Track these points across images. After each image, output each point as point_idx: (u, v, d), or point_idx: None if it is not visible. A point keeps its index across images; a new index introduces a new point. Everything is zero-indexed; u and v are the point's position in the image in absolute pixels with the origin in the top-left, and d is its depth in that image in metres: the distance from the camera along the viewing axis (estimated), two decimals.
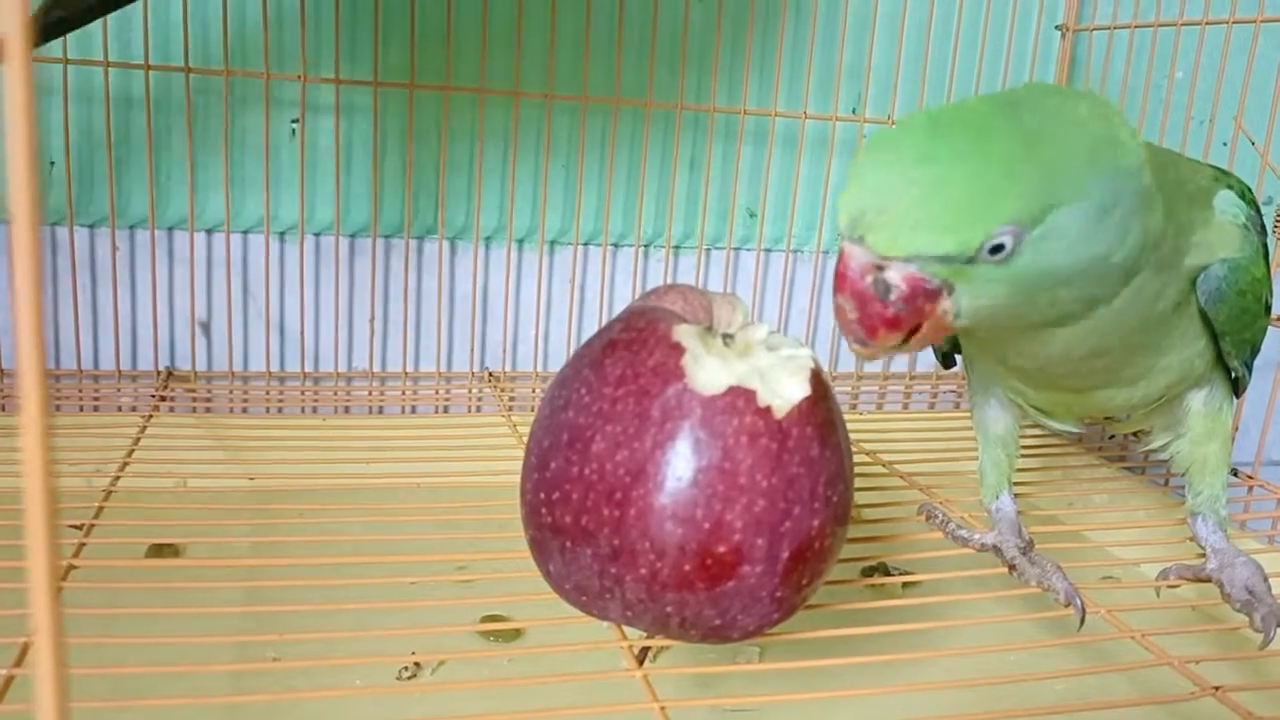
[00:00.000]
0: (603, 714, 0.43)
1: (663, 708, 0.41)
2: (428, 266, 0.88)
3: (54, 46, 0.76)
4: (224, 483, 0.70)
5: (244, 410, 0.83)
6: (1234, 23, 0.78)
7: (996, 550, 0.55)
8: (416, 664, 0.51)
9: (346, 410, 0.86)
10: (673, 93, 0.87)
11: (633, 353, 0.40)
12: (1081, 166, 0.38)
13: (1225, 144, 0.90)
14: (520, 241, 0.90)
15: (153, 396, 0.78)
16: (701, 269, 0.93)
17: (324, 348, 0.87)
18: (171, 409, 0.80)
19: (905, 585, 0.61)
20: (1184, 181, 0.47)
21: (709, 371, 0.39)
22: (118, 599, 0.49)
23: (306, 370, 0.87)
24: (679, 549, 0.39)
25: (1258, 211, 0.50)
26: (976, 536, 0.56)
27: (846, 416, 0.91)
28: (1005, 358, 0.49)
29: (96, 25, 0.77)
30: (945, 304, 0.39)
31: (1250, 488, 0.73)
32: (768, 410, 0.39)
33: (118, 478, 0.61)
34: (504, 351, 0.91)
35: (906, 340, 0.41)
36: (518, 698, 0.48)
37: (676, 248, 0.93)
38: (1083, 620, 0.50)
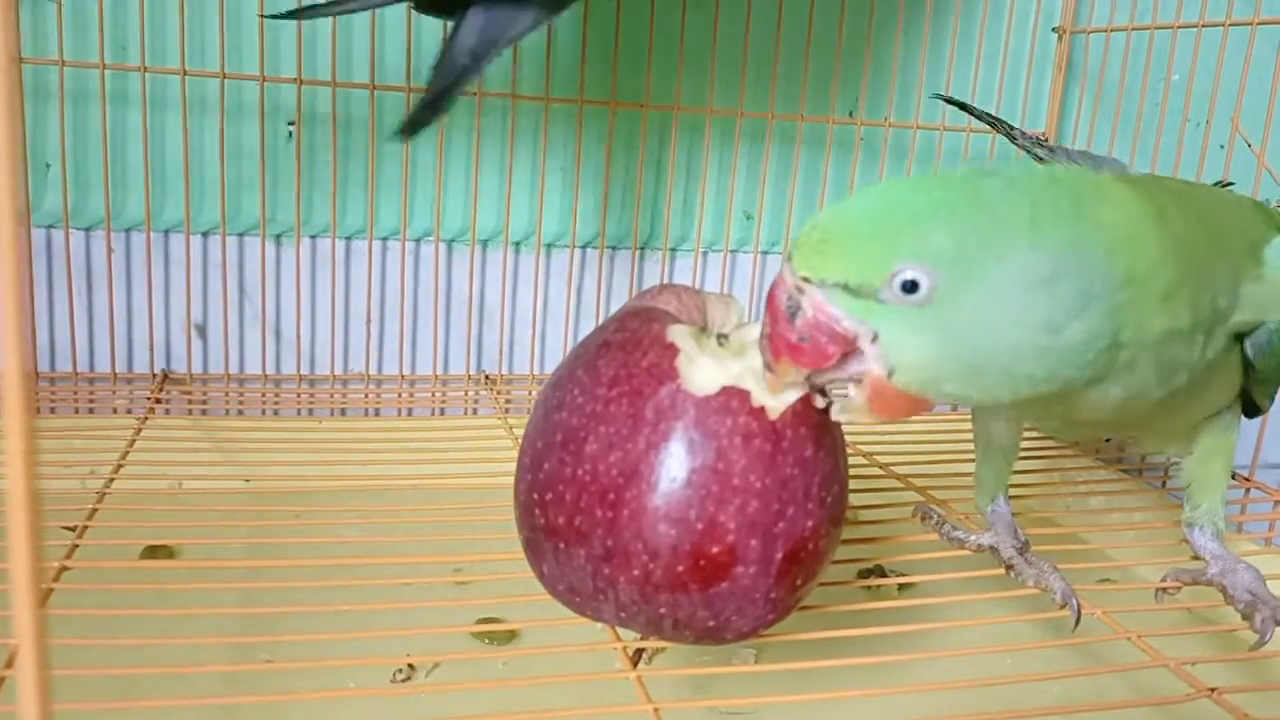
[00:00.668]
0: (597, 716, 0.43)
1: (656, 709, 0.40)
2: (424, 269, 0.88)
3: (50, 48, 0.76)
4: (219, 484, 0.70)
5: (240, 412, 0.83)
6: (1230, 25, 0.78)
7: (993, 551, 0.55)
8: (411, 666, 0.51)
9: (343, 412, 0.86)
10: (669, 95, 0.87)
11: (626, 353, 0.40)
12: (1018, 231, 0.37)
13: (1222, 146, 0.91)
14: (517, 244, 0.90)
15: (148, 399, 0.78)
16: (698, 271, 0.93)
17: (320, 350, 0.87)
18: (167, 411, 0.80)
19: (901, 587, 0.61)
20: (1232, 238, 0.45)
21: (703, 372, 0.39)
22: (111, 600, 0.49)
23: (303, 373, 0.86)
24: (672, 550, 0.38)
25: None
26: (973, 537, 0.56)
27: None
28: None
29: (93, 27, 0.77)
30: (873, 361, 0.37)
31: (1247, 489, 0.73)
32: (762, 411, 0.39)
33: (112, 479, 0.61)
34: (500, 354, 0.91)
35: (850, 404, 0.39)
36: (512, 700, 0.48)
37: (673, 250, 0.93)
38: (1078, 621, 0.50)
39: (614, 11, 0.85)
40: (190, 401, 0.82)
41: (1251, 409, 0.54)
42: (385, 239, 0.87)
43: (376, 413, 0.87)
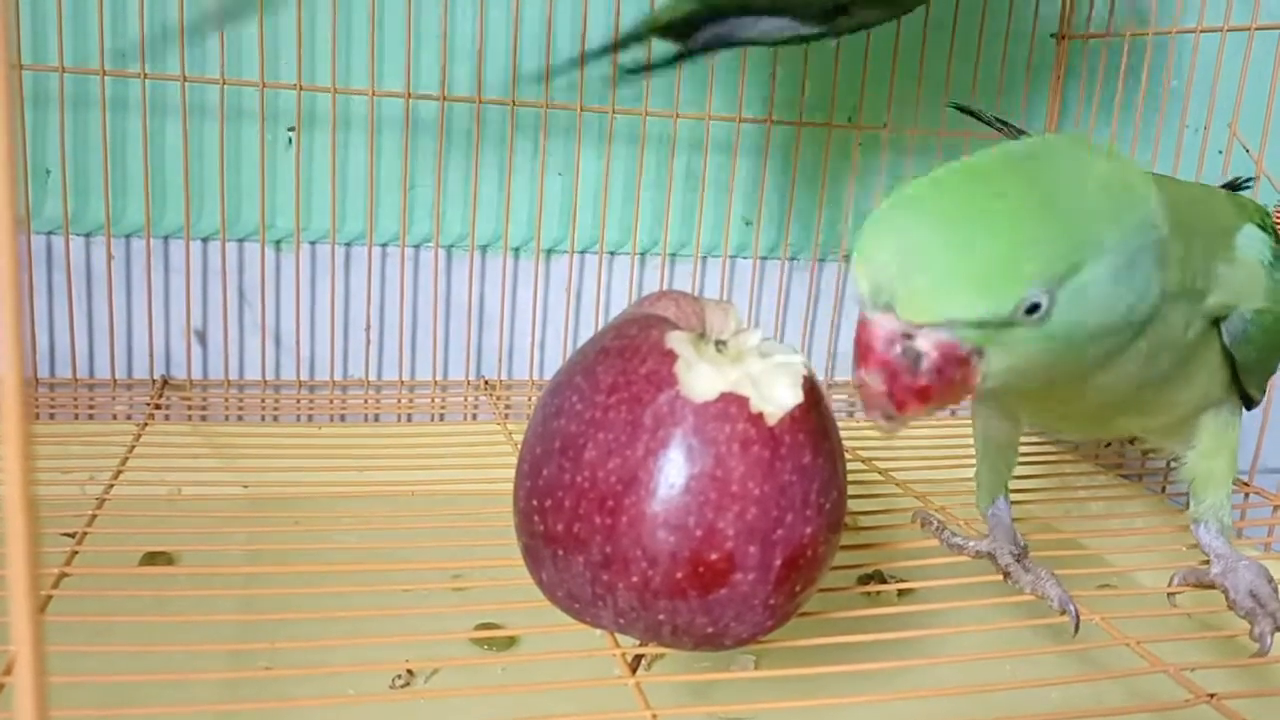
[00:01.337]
0: None
1: (655, 715, 0.40)
2: (424, 275, 0.88)
3: (50, 56, 0.76)
4: (218, 490, 0.70)
5: (239, 418, 0.83)
6: (1228, 30, 0.78)
7: (991, 557, 0.55)
8: (410, 672, 0.51)
9: (342, 418, 0.86)
10: (669, 101, 0.87)
11: (625, 360, 0.40)
12: (1104, 222, 0.37)
13: (1220, 152, 0.91)
14: (516, 250, 0.90)
15: (148, 405, 0.78)
16: (698, 277, 0.93)
17: (320, 356, 0.87)
18: (167, 417, 0.80)
19: (901, 593, 0.61)
20: (1205, 218, 0.46)
21: (701, 378, 0.39)
22: (110, 607, 0.49)
23: (302, 379, 0.86)
24: (671, 557, 0.38)
25: (1276, 237, 0.50)
26: (971, 544, 0.56)
27: (844, 423, 0.92)
28: (1018, 404, 0.49)
29: (93, 34, 0.77)
30: (977, 368, 0.37)
31: (1246, 494, 0.73)
32: (760, 417, 0.39)
33: (111, 485, 0.61)
34: (500, 360, 0.91)
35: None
36: (511, 706, 0.48)
37: (673, 256, 0.93)
38: (1077, 627, 0.50)
39: (613, 18, 0.85)
40: (190, 407, 0.82)
41: (1249, 401, 0.54)
42: (385, 245, 0.87)
43: (376, 418, 0.87)
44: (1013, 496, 0.59)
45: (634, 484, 0.39)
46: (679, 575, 0.39)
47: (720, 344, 0.42)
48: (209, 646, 0.49)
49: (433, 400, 0.88)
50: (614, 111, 0.86)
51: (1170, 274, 0.41)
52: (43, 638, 0.30)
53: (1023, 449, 0.79)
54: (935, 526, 0.59)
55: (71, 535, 0.54)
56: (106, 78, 0.77)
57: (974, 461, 0.59)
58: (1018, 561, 0.54)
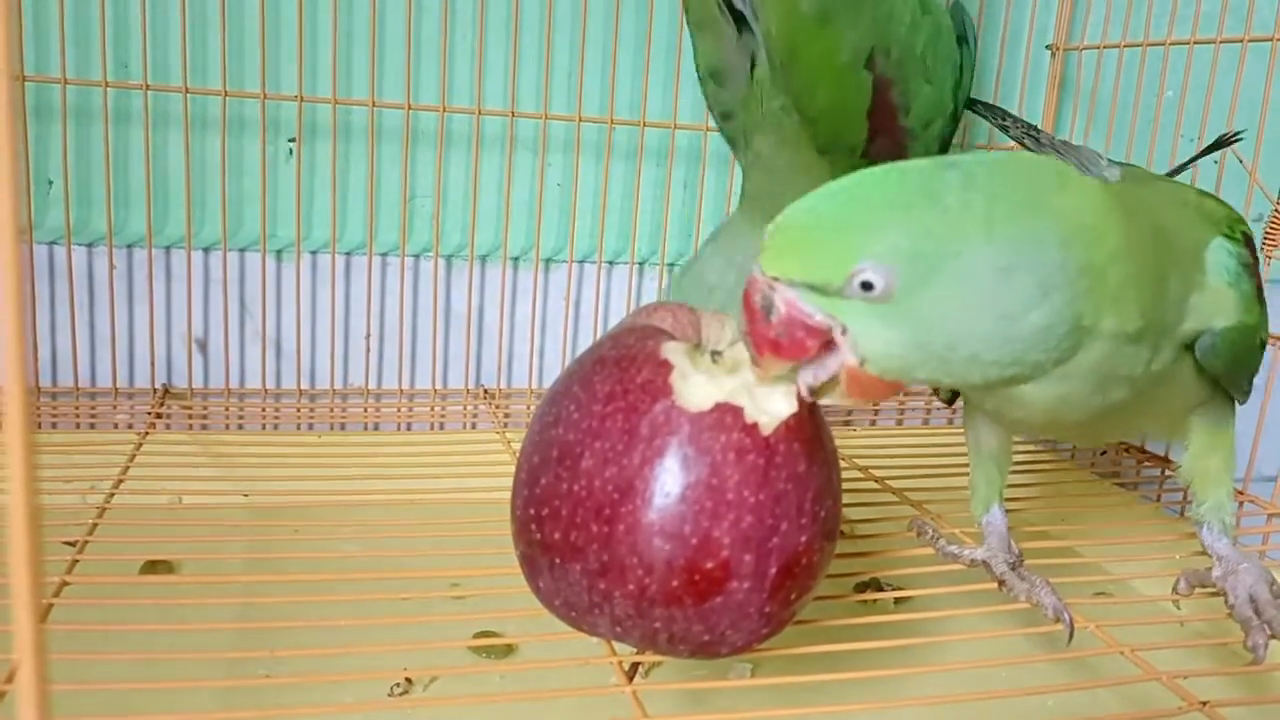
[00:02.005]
0: None
1: None
2: (423, 284, 0.89)
3: (53, 67, 0.77)
4: (219, 499, 0.70)
5: (240, 427, 0.84)
6: (1221, 42, 0.79)
7: (985, 565, 0.55)
8: (409, 680, 0.51)
9: (342, 427, 0.87)
10: (667, 112, 0.88)
11: (621, 370, 0.41)
12: (969, 226, 0.38)
13: (1215, 161, 0.91)
14: (516, 259, 0.91)
15: (149, 414, 0.78)
16: None
17: (320, 365, 0.88)
18: (168, 426, 0.80)
19: (897, 601, 0.62)
20: (1173, 237, 0.46)
21: (697, 388, 0.40)
22: (111, 615, 0.50)
23: (303, 387, 0.87)
24: (667, 565, 0.39)
25: (1248, 244, 0.50)
26: (966, 552, 0.57)
27: (840, 432, 0.92)
28: (997, 414, 0.49)
29: (95, 45, 0.78)
30: (846, 352, 0.39)
31: (1241, 503, 0.73)
32: (755, 427, 0.39)
33: (113, 494, 0.62)
34: (499, 368, 0.91)
35: (825, 388, 0.40)
36: (509, 714, 0.48)
37: (671, 265, 0.93)
38: (1072, 635, 0.50)
39: (612, 29, 0.86)
40: (190, 416, 0.82)
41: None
42: (385, 255, 0.88)
43: (376, 427, 0.88)
44: (1009, 504, 0.59)
45: (630, 493, 0.39)
46: (675, 583, 0.39)
47: (716, 354, 0.42)
48: (209, 654, 0.50)
49: (432, 409, 0.88)
50: (612, 123, 0.87)
51: (1089, 299, 0.40)
52: (45, 646, 0.30)
53: (1019, 457, 0.79)
54: (930, 535, 0.59)
55: (73, 544, 0.54)
56: (109, 89, 0.78)
57: (968, 471, 0.59)
58: (1012, 570, 0.54)
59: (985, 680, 0.55)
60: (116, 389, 0.83)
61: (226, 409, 0.84)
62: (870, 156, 0.65)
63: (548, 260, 0.91)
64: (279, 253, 0.86)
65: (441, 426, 0.88)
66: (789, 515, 0.40)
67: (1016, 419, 0.49)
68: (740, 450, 0.39)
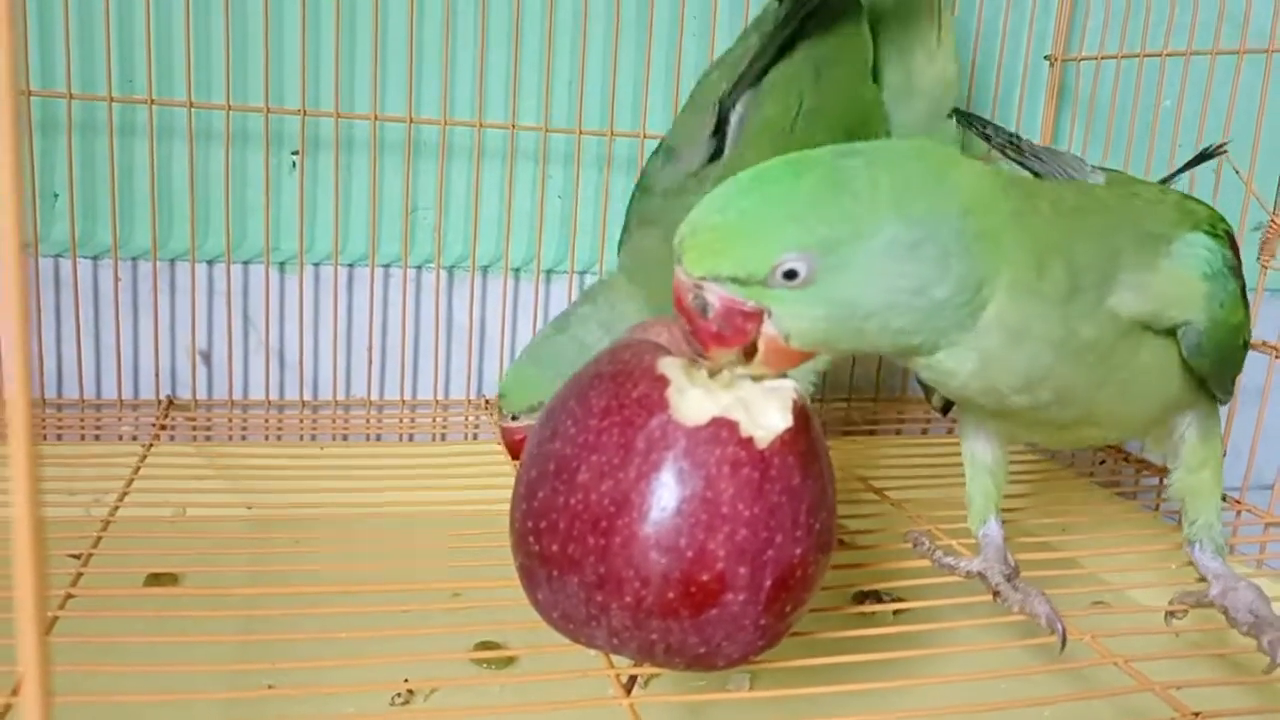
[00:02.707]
0: None
1: None
2: (425, 295, 0.89)
3: (58, 82, 0.78)
4: (222, 511, 0.71)
5: (243, 438, 0.84)
6: (1217, 54, 0.79)
7: (981, 576, 0.55)
8: (410, 691, 0.52)
9: (345, 438, 0.87)
10: (668, 124, 0.88)
11: (618, 384, 0.41)
12: (882, 207, 0.40)
13: (1212, 170, 0.91)
14: (517, 271, 0.91)
15: (153, 425, 0.79)
16: None
17: (323, 376, 0.88)
18: (172, 437, 0.81)
19: (896, 612, 0.62)
20: (1115, 218, 0.47)
21: (692, 403, 0.40)
22: (115, 628, 0.50)
23: (305, 398, 0.88)
24: (663, 577, 0.39)
25: (1232, 245, 0.50)
26: (962, 563, 0.57)
27: (839, 442, 0.92)
28: (981, 411, 0.50)
29: (101, 60, 0.78)
30: (769, 327, 0.41)
31: (1238, 512, 0.73)
32: (750, 440, 0.40)
33: (117, 507, 0.62)
34: (501, 379, 0.91)
35: (750, 357, 0.42)
36: None
37: None
38: (1064, 645, 0.50)
39: (611, 43, 0.86)
40: (195, 427, 0.83)
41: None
42: (387, 266, 0.88)
43: (378, 438, 0.88)
44: (1008, 515, 0.59)
45: (626, 506, 0.39)
46: (671, 595, 0.39)
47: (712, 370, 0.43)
48: (212, 667, 0.50)
49: (434, 420, 0.89)
50: (612, 134, 0.87)
51: (986, 263, 0.42)
52: (49, 659, 0.31)
53: (1017, 466, 0.80)
54: (927, 547, 0.59)
55: (77, 556, 0.55)
56: (114, 104, 0.79)
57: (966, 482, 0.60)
58: (1008, 581, 0.54)
59: (984, 692, 0.55)
60: (121, 400, 0.84)
61: (230, 420, 0.85)
62: None
63: (549, 271, 0.92)
64: (282, 265, 0.86)
65: (443, 437, 0.89)
66: (784, 528, 0.40)
67: (1002, 416, 0.50)
68: (735, 464, 0.39)
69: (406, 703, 0.52)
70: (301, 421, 0.86)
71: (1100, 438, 0.55)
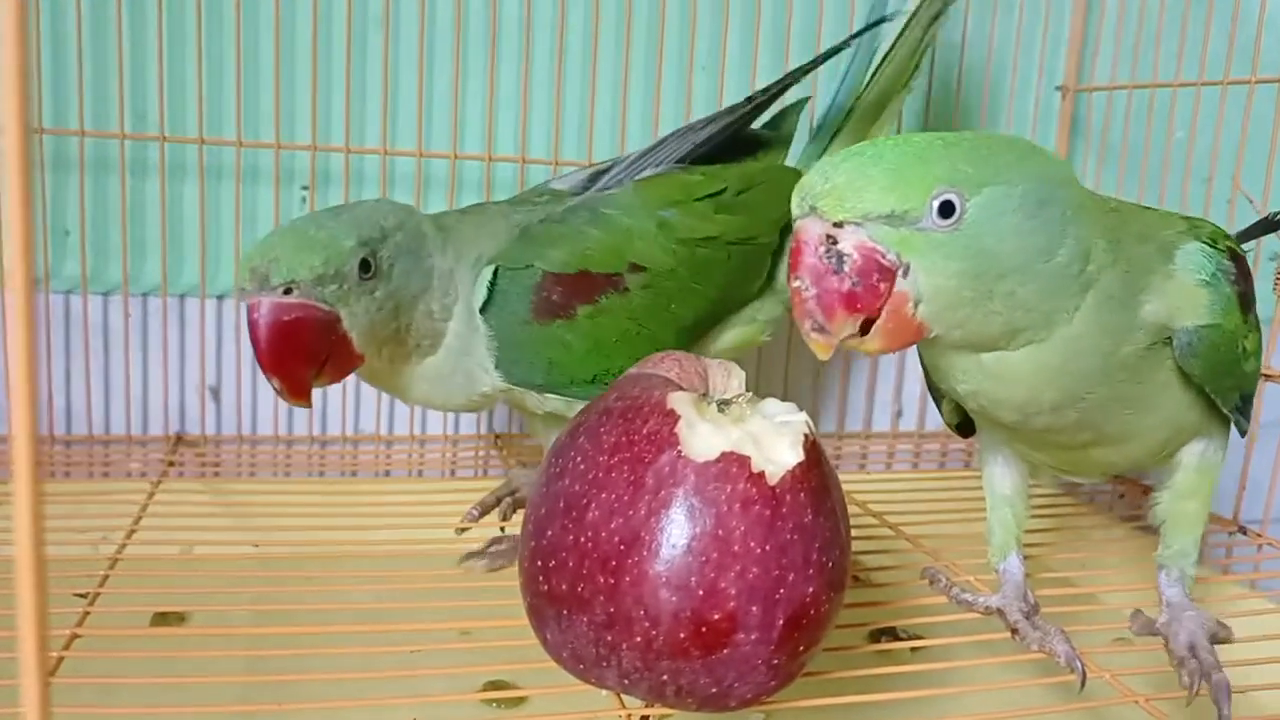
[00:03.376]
0: None
1: None
2: None
3: (71, 120, 0.78)
4: (230, 549, 0.70)
5: (251, 474, 0.84)
6: (1229, 84, 0.79)
7: (1000, 613, 0.54)
8: None
9: (354, 474, 0.87)
10: None
11: (627, 420, 0.41)
12: (1010, 159, 0.42)
13: (1228, 201, 0.91)
14: None
15: (162, 461, 0.78)
16: None
17: (331, 411, 0.88)
18: (181, 473, 0.80)
19: (913, 650, 0.61)
20: (1139, 227, 0.48)
21: (702, 438, 0.40)
22: (121, 668, 0.49)
23: (314, 434, 0.87)
24: (673, 617, 0.39)
25: (1232, 255, 0.50)
26: (980, 600, 0.56)
27: (854, 476, 0.91)
28: (996, 427, 0.49)
29: (112, 97, 0.79)
30: (904, 287, 0.41)
31: (1260, 546, 0.72)
32: (761, 476, 0.39)
33: (125, 545, 0.62)
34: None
35: (866, 331, 0.41)
36: None
37: None
38: (1083, 684, 0.49)
39: (621, 75, 0.86)
40: (204, 463, 0.82)
41: (1239, 427, 0.54)
42: None
43: (387, 473, 0.88)
44: (1029, 550, 0.58)
45: (636, 544, 0.39)
46: (681, 635, 0.39)
47: (723, 404, 0.42)
48: (218, 708, 0.49)
49: (444, 455, 0.88)
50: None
51: (1090, 233, 0.43)
52: (49, 702, 0.30)
53: (1038, 501, 0.78)
54: (944, 584, 0.58)
55: (84, 595, 0.54)
56: (126, 140, 0.79)
57: (985, 515, 0.59)
58: (1027, 618, 0.53)
59: None
60: (130, 436, 0.84)
61: (239, 456, 0.85)
62: None
63: None
64: None
65: (454, 473, 0.88)
66: (795, 566, 0.39)
67: (997, 416, 0.49)
68: (746, 501, 0.39)
69: None
70: (310, 457, 0.86)
71: (1107, 462, 0.54)
